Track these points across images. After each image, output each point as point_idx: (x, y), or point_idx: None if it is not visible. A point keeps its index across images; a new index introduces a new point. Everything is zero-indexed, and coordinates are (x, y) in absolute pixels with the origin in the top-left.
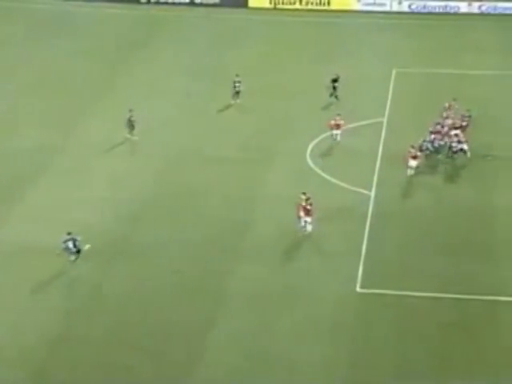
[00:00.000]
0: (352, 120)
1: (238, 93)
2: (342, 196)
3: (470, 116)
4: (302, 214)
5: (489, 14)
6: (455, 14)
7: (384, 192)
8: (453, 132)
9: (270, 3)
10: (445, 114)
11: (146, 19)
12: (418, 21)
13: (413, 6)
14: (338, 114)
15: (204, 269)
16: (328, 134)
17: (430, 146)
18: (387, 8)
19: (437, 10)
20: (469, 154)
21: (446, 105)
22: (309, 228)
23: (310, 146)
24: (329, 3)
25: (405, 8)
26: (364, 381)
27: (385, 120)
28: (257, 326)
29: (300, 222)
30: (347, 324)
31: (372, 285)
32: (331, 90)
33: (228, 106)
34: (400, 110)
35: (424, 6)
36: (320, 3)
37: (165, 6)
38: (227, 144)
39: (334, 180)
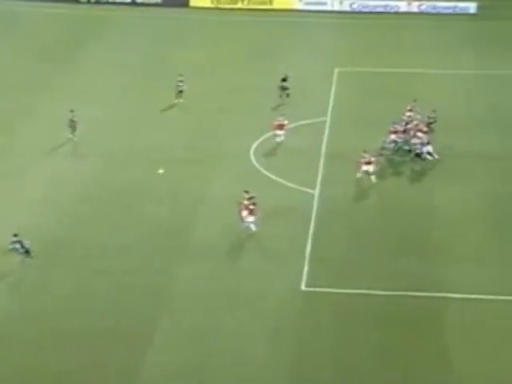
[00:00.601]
0: (295, 119)
1: (181, 92)
2: (286, 195)
3: (435, 117)
4: (244, 213)
5: (428, 14)
6: (395, 13)
7: (328, 191)
8: (417, 134)
9: (212, 3)
10: (408, 114)
11: (86, 19)
12: (359, 20)
13: (354, 6)
14: (282, 115)
15: (148, 269)
16: (271, 133)
17: (393, 146)
18: (329, 7)
19: (377, 10)
20: (430, 156)
21: (408, 107)
22: (253, 228)
23: (254, 146)
24: (271, 2)
25: (346, 7)
26: (307, 379)
27: (328, 119)
28: (201, 326)
29: (243, 221)
30: (292, 322)
31: (317, 283)
32: (281, 89)
33: (171, 106)
34: (343, 108)
35: (365, 6)
36: (262, 2)
37: (105, 6)
38: (170, 143)
39: (278, 179)
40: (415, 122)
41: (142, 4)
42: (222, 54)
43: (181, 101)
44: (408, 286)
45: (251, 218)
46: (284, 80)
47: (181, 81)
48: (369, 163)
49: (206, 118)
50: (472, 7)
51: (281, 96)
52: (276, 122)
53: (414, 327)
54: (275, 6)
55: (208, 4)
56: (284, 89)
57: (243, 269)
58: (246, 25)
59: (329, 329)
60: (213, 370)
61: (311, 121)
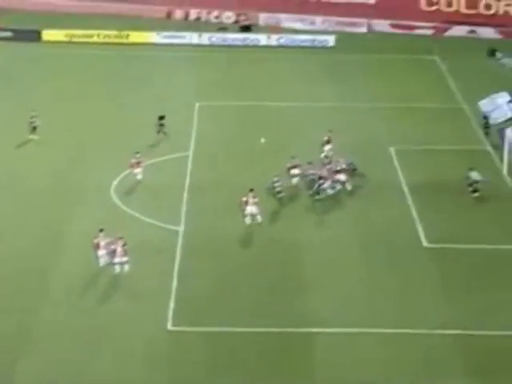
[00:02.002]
0: (156, 155)
1: (35, 128)
2: (149, 233)
3: (351, 163)
4: (100, 252)
5: (287, 46)
6: (255, 46)
7: (192, 226)
8: (337, 176)
9: (66, 36)
10: (327, 147)
11: None
12: (219, 53)
13: (213, 39)
14: (137, 152)
15: (6, 310)
16: (130, 171)
17: (297, 180)
18: (187, 40)
19: (236, 43)
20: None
21: (325, 138)
22: (117, 269)
23: (114, 183)
24: (127, 36)
25: (205, 41)
26: None
27: (190, 154)
28: (63, 371)
29: (99, 260)
30: (159, 363)
31: (184, 322)
32: (158, 127)
33: (25, 142)
34: (205, 143)
35: (224, 39)
36: (118, 36)
37: None
38: (26, 181)
39: (140, 216)
40: (338, 167)
41: None
42: (77, 89)
43: (35, 137)
44: (277, 323)
45: (117, 259)
46: (162, 118)
47: (34, 116)
48: (247, 203)
49: (64, 154)
50: (331, 40)
51: (159, 132)
52: (133, 160)
53: (284, 363)
54: (132, 39)
55: (61, 38)
56: (162, 126)
57: (107, 310)
58: (102, 59)
59: (197, 368)
60: None
61: (173, 156)
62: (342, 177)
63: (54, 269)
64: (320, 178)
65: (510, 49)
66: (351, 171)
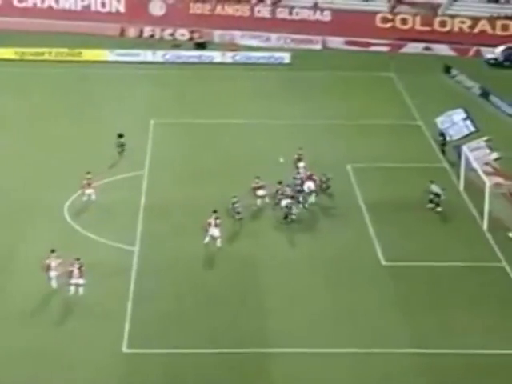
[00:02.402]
0: (110, 175)
1: None
2: (103, 253)
3: (328, 179)
4: (52, 273)
5: (243, 63)
6: (210, 63)
7: (148, 246)
8: (307, 184)
9: (16, 54)
10: (301, 165)
11: None
12: (173, 71)
13: (167, 56)
14: (88, 173)
15: None
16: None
17: (261, 202)
18: (141, 58)
19: (191, 60)
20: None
21: (296, 156)
22: (72, 290)
23: (68, 203)
24: (80, 54)
25: (159, 58)
26: None
27: (145, 172)
28: None
29: (51, 281)
30: None
31: (140, 344)
32: (119, 145)
33: None
34: (160, 161)
35: (178, 56)
36: (70, 54)
37: None
38: None
39: (94, 237)
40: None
41: None
42: (29, 107)
43: None
44: (235, 344)
45: (73, 280)
46: (121, 136)
47: None
48: (209, 225)
49: (16, 174)
50: (286, 57)
51: (122, 151)
52: (84, 181)
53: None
54: (85, 57)
55: (12, 56)
56: (122, 145)
57: (62, 331)
58: (55, 77)
59: None
60: None
61: (128, 175)
62: (311, 185)
63: (4, 291)
64: (292, 197)
65: (464, 66)
66: (325, 188)
